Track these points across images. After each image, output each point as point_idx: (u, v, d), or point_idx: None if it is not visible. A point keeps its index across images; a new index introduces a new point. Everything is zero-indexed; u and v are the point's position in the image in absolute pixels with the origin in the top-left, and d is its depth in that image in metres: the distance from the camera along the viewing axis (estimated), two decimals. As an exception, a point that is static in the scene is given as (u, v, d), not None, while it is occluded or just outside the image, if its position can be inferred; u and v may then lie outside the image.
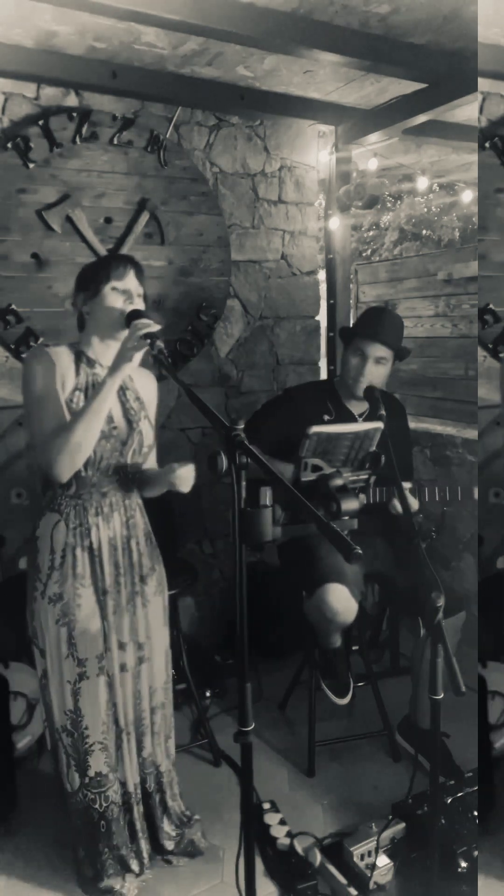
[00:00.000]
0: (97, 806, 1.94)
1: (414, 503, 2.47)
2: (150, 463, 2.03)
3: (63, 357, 1.85)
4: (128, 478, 1.93)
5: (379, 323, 2.53)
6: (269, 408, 2.71)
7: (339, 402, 2.60)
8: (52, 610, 1.87)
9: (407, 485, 2.44)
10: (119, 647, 1.93)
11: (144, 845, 2.05)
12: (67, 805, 1.98)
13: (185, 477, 1.83)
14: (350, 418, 2.56)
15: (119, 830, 1.99)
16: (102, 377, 1.78)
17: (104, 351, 1.90)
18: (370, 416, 2.58)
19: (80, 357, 1.89)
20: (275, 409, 2.65)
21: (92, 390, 1.83)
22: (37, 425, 1.80)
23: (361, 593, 2.43)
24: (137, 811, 2.03)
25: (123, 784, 2.00)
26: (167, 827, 2.11)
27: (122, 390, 1.93)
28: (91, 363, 1.89)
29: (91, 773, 1.92)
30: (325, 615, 2.30)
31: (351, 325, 2.75)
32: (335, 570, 2.31)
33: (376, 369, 2.49)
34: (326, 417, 2.51)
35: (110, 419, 1.86)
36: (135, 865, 2.02)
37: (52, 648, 1.89)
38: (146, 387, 2.02)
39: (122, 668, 1.95)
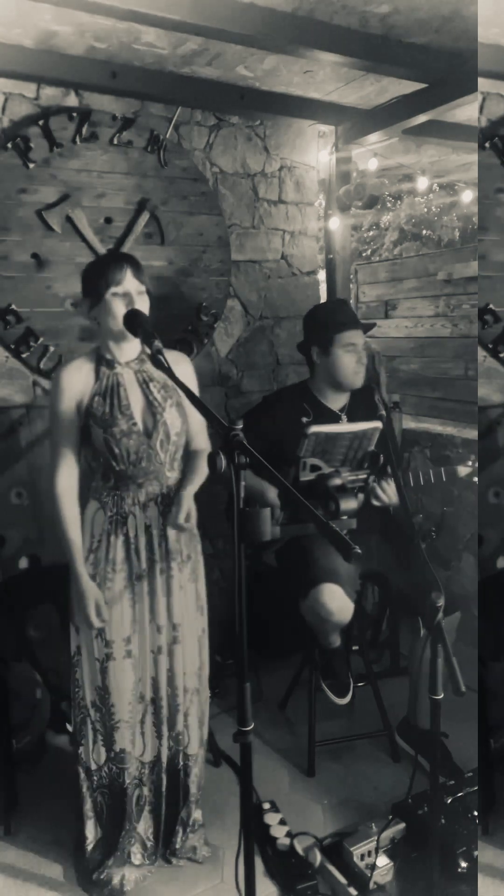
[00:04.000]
0: (119, 783, 2.01)
1: (393, 494, 2.44)
2: (200, 443, 2.08)
3: (82, 370, 1.96)
4: (163, 467, 1.97)
5: (349, 312, 2.60)
6: (248, 418, 2.70)
7: (315, 401, 2.61)
8: None
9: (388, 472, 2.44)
10: (155, 629, 2.00)
11: (151, 826, 2.09)
12: (90, 783, 2.03)
13: None
14: (330, 414, 2.57)
15: (135, 808, 2.05)
16: (123, 374, 1.96)
17: (121, 351, 1.97)
18: (351, 408, 2.60)
19: (100, 361, 1.97)
20: (255, 419, 2.64)
21: (111, 392, 1.93)
22: (51, 440, 2.01)
23: (357, 592, 2.43)
24: (149, 790, 2.08)
25: (144, 763, 2.05)
26: (184, 814, 2.13)
27: (146, 383, 1.96)
28: (111, 364, 1.97)
29: (116, 748, 2.00)
30: (321, 615, 2.31)
31: (312, 326, 2.67)
32: (329, 571, 2.31)
33: (363, 355, 2.54)
34: (305, 419, 2.51)
35: (130, 417, 1.92)
36: (137, 850, 2.06)
37: (83, 626, 1.97)
38: (177, 370, 1.99)
39: (158, 650, 2.01)
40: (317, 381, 2.64)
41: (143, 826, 2.09)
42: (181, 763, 2.09)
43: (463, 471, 2.54)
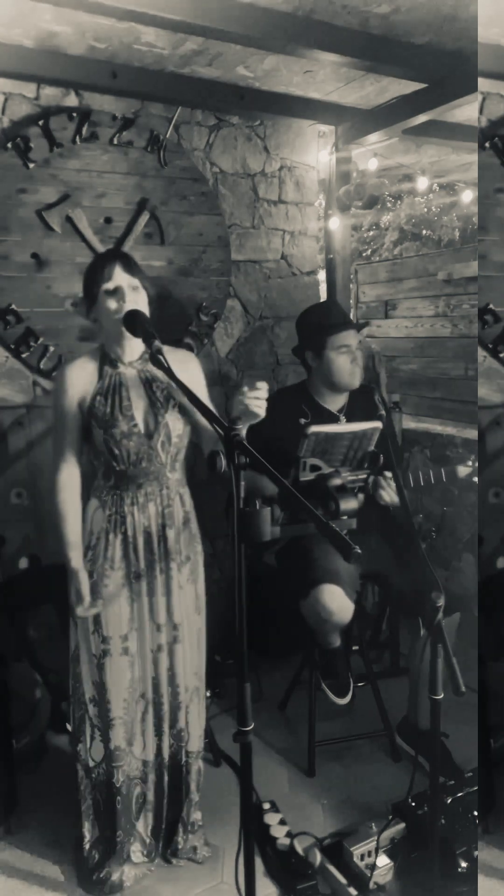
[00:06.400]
0: (115, 780, 2.01)
1: (393, 494, 2.45)
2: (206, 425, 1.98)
3: (86, 369, 1.96)
4: (164, 468, 1.97)
5: (339, 314, 2.59)
6: None
7: (313, 402, 2.61)
8: None
9: (388, 474, 2.44)
10: (155, 628, 2.00)
11: (149, 824, 2.09)
12: (88, 780, 2.04)
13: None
14: (329, 415, 2.57)
15: (134, 807, 2.05)
16: (126, 374, 1.95)
17: (123, 351, 1.96)
18: (350, 409, 2.60)
19: (104, 360, 1.96)
20: None
21: (113, 392, 1.92)
22: (53, 437, 2.03)
23: (357, 593, 2.43)
24: (150, 788, 2.08)
25: (143, 762, 2.05)
26: (185, 814, 2.13)
27: (149, 383, 1.96)
28: (114, 363, 1.96)
29: (111, 745, 1.99)
30: (321, 616, 2.31)
31: (304, 330, 2.67)
32: (329, 571, 2.31)
33: (359, 355, 2.53)
34: (303, 420, 2.51)
35: (131, 418, 1.91)
36: (138, 851, 2.07)
37: (82, 622, 1.98)
38: (181, 371, 1.90)
39: (158, 648, 2.01)
40: (314, 383, 2.64)
41: (143, 824, 2.09)
42: (183, 760, 2.10)
43: (463, 471, 2.54)
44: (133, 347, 1.95)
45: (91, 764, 2.03)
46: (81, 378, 1.94)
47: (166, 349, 1.96)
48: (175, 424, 1.95)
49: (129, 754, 2.02)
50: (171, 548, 1.99)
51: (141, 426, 1.92)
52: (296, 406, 2.57)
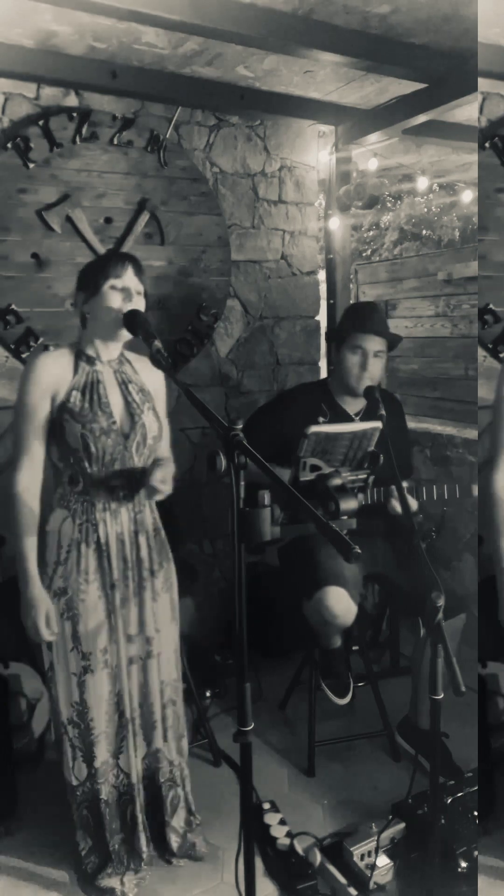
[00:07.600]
0: (102, 796, 1.97)
1: (413, 503, 2.47)
2: (163, 452, 2.02)
3: (60, 362, 1.87)
4: (135, 472, 1.91)
5: (369, 316, 2.55)
6: (263, 412, 2.71)
7: (333, 402, 2.59)
8: (56, 604, 1.89)
9: (405, 484, 2.44)
10: (127, 639, 1.95)
11: (145, 839, 2.05)
12: (74, 797, 1.99)
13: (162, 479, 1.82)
14: (346, 418, 2.56)
15: (123, 821, 2.02)
16: (103, 372, 1.88)
17: (104, 350, 1.92)
18: (367, 413, 2.58)
19: (79, 356, 1.90)
20: (270, 414, 2.65)
21: (91, 388, 1.86)
22: (13, 432, 1.89)
23: (361, 595, 2.42)
24: (139, 804, 2.03)
25: (128, 775, 2.01)
26: (175, 823, 2.11)
27: (125, 384, 1.93)
28: (91, 361, 1.90)
29: (97, 763, 1.95)
30: (325, 618, 2.30)
31: (337, 324, 2.72)
32: (334, 573, 2.31)
33: (375, 363, 2.50)
34: (321, 419, 2.50)
35: (110, 415, 1.86)
36: (135, 861, 2.03)
37: (57, 641, 1.91)
38: (151, 377, 1.99)
39: (130, 660, 1.96)
40: (334, 381, 2.63)
41: (135, 835, 2.04)
42: (165, 772, 2.06)
43: (478, 490, 2.54)
44: (111, 348, 1.92)
45: (75, 783, 1.98)
46: (56, 370, 1.84)
47: (133, 356, 1.98)
48: (151, 425, 1.92)
49: (113, 766, 1.98)
50: (143, 556, 1.95)
51: (118, 424, 1.87)
52: (315, 404, 2.56)
